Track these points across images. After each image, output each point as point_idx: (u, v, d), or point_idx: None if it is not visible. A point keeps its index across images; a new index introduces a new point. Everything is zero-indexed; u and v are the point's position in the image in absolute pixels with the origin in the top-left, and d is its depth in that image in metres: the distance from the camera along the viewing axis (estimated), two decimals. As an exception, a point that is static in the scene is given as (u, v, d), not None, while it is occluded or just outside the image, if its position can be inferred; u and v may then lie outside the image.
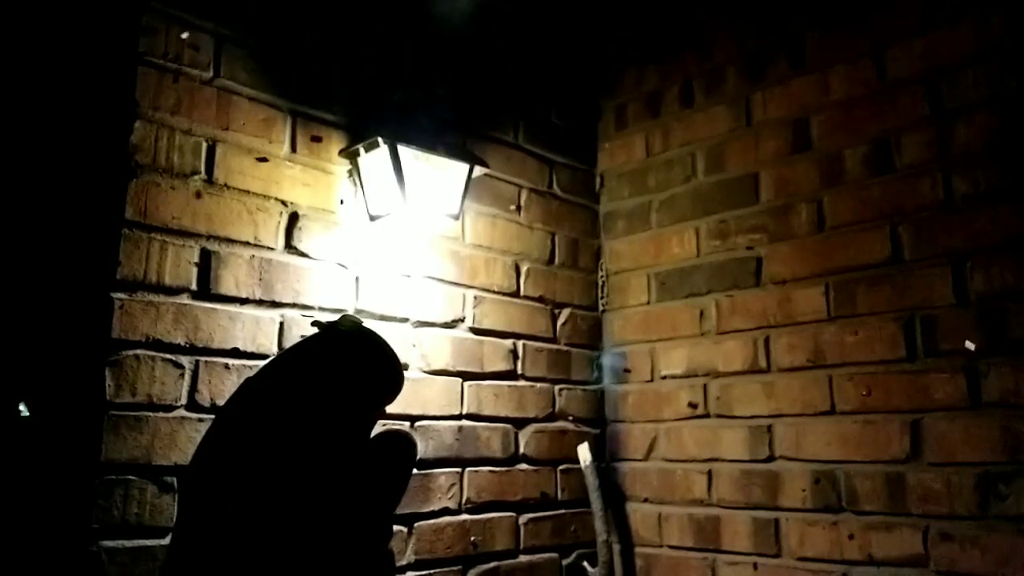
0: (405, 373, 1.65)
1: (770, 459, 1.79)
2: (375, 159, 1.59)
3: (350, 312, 1.58)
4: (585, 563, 1.95)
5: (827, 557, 1.66)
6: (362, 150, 1.59)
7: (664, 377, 2.02)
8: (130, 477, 1.25)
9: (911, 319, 1.62)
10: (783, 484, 1.76)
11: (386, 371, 1.13)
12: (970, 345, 1.53)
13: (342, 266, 1.59)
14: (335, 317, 1.27)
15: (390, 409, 1.61)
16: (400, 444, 1.11)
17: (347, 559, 1.04)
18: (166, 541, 1.27)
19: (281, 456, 1.00)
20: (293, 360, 1.10)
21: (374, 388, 1.17)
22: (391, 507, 1.09)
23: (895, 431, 1.61)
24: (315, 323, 1.19)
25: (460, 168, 1.67)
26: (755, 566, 1.77)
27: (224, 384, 1.38)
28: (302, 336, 1.44)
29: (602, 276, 2.19)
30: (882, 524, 1.60)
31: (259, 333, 1.44)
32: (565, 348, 2.07)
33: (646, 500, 2.00)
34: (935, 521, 1.54)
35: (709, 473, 1.89)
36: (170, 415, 1.31)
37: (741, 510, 1.82)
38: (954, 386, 1.55)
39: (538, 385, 1.97)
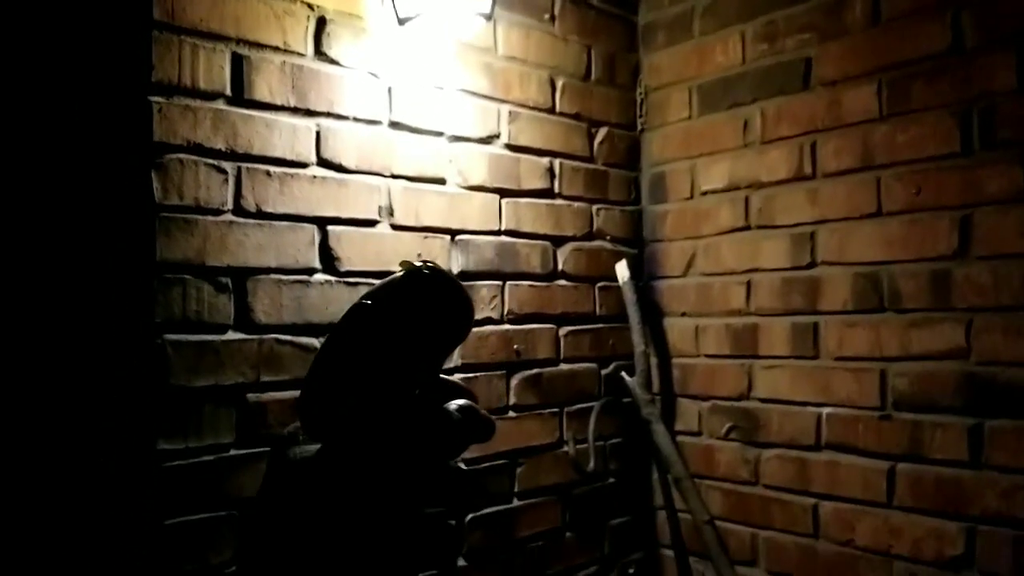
0: (443, 188, 1.68)
1: (811, 265, 1.78)
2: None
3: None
4: (623, 373, 2.02)
5: (866, 356, 1.69)
6: (388, -52, 1.51)
7: (704, 193, 1.99)
8: (186, 276, 1.29)
9: (968, 111, 1.55)
10: (824, 289, 1.76)
11: (466, 316, 1.15)
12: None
13: (373, 75, 1.56)
14: (417, 261, 1.27)
15: (434, 222, 1.65)
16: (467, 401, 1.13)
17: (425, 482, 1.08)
18: (226, 336, 1.34)
19: (380, 386, 1.03)
20: (387, 304, 1.10)
21: (456, 330, 1.18)
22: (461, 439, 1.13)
23: (944, 228, 1.58)
24: (402, 263, 1.20)
25: (491, -35, 1.59)
26: (792, 368, 1.82)
27: (267, 191, 1.39)
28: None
29: (640, 93, 2.12)
30: (924, 320, 1.61)
31: (296, 142, 1.44)
32: (603, 168, 2.04)
33: (684, 314, 2.04)
34: (979, 314, 1.54)
35: (748, 284, 1.90)
36: (218, 219, 1.33)
37: (780, 317, 1.84)
38: (1009, 178, 1.51)
39: (575, 204, 1.97)
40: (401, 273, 1.08)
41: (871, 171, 1.69)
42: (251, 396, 1.37)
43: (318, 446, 1.01)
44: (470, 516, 1.70)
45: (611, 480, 2.03)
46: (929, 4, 1.60)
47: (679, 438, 2.03)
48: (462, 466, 1.12)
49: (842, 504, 1.74)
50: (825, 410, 1.76)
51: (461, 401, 1.05)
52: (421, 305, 1.09)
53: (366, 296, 1.05)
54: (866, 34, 1.69)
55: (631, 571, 2.06)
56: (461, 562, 1.67)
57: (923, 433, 1.61)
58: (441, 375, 1.05)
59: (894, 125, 1.66)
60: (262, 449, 1.35)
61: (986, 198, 1.53)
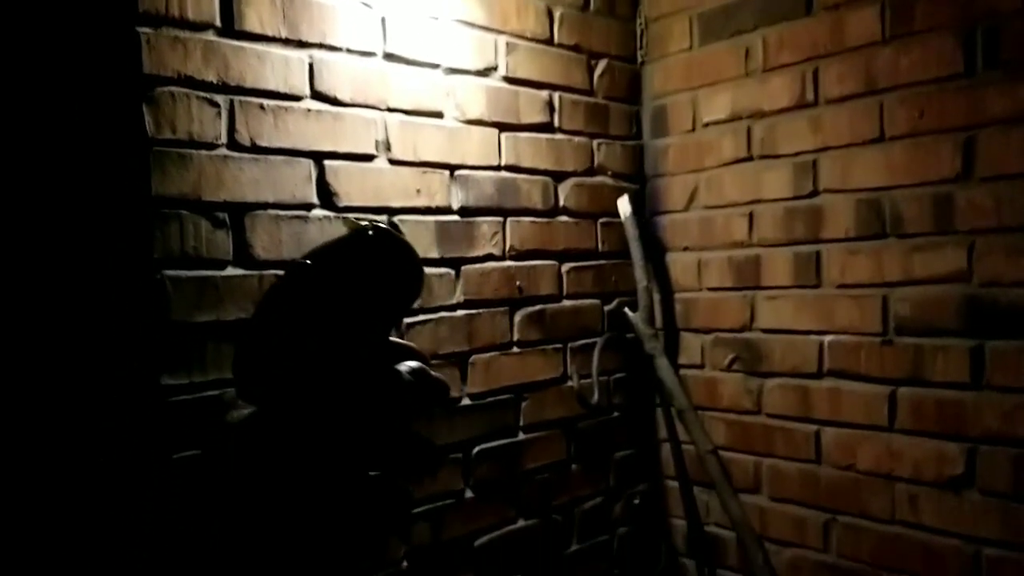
0: (441, 122, 1.66)
1: (813, 194, 1.77)
2: None
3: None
4: (626, 309, 2.03)
5: (868, 282, 1.69)
6: None
7: (707, 125, 1.97)
8: (183, 212, 1.29)
9: (972, 31, 1.52)
10: (826, 217, 1.75)
11: (414, 279, 1.08)
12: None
13: (366, 5, 1.52)
14: (366, 218, 1.24)
15: (433, 157, 1.64)
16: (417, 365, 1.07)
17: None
18: (225, 272, 1.34)
19: (319, 349, 0.98)
20: (328, 265, 1.05)
21: (403, 294, 1.11)
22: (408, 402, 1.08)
23: (947, 150, 1.56)
24: (346, 221, 1.16)
25: None
26: (794, 297, 1.82)
27: (262, 125, 1.38)
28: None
29: (640, 24, 2.08)
30: (926, 245, 1.60)
31: (289, 74, 1.42)
32: (603, 102, 2.01)
33: (686, 249, 2.03)
34: (981, 236, 1.53)
35: (750, 215, 1.89)
36: (213, 153, 1.33)
37: (782, 247, 1.83)
38: (1012, 98, 1.48)
39: (576, 139, 1.95)
40: (346, 232, 1.05)
41: (874, 96, 1.66)
42: (254, 331, 1.38)
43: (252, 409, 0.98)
44: (476, 449, 1.73)
45: (615, 414, 2.05)
46: (935, -81, 1.55)
47: (682, 371, 2.05)
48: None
49: (844, 430, 1.76)
50: (827, 338, 1.77)
51: (413, 363, 1.02)
52: (365, 267, 1.05)
53: (307, 255, 1.02)
54: (870, -47, 1.65)
55: (636, 502, 2.09)
56: (468, 493, 1.71)
57: (924, 357, 1.62)
58: (392, 339, 1.02)
59: (897, 48, 1.62)
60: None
61: (989, 119, 1.51)
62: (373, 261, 1.03)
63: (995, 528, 1.54)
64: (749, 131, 1.88)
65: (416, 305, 1.61)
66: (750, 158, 1.88)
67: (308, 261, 1.00)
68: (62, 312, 1.33)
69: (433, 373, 1.07)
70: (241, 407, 1.00)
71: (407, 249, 1.09)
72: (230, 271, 1.35)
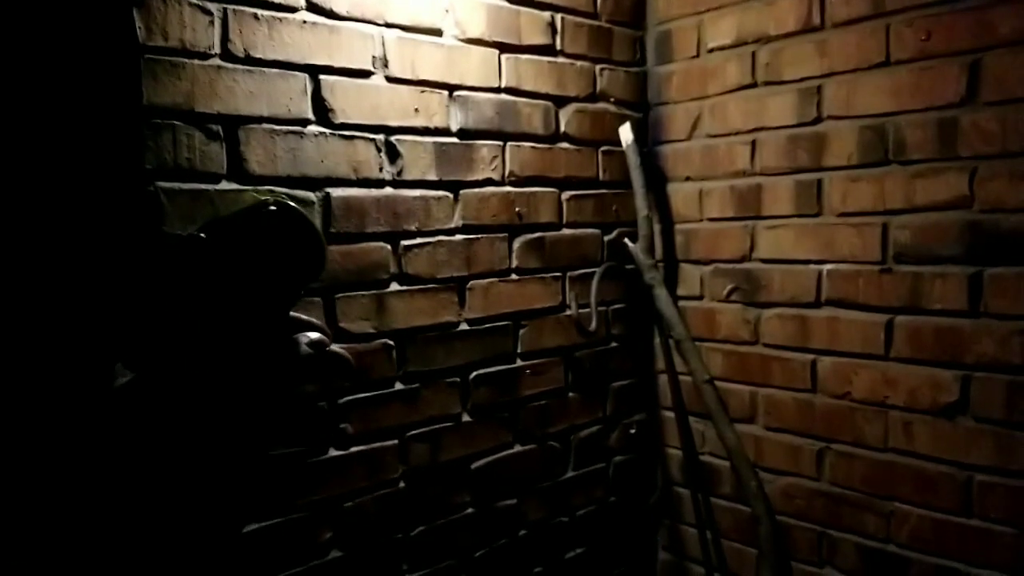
0: (440, 39, 1.63)
1: (817, 120, 1.74)
2: None
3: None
4: (626, 239, 2.02)
5: (869, 210, 1.68)
6: None
7: (711, 50, 1.93)
8: (175, 122, 1.28)
9: (985, -52, 1.48)
10: (829, 144, 1.73)
11: (314, 257, 1.05)
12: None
13: (363, -85, 1.49)
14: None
15: (431, 76, 1.61)
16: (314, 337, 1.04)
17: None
18: (220, 186, 1.33)
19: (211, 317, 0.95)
20: (223, 239, 1.01)
21: (302, 271, 1.08)
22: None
23: (952, 74, 1.53)
24: (251, 191, 1.12)
25: None
26: (794, 227, 1.81)
27: (255, 36, 1.36)
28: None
29: (646, -54, 2.03)
30: (929, 171, 1.58)
31: (284, -16, 1.40)
32: (607, 25, 1.97)
33: (688, 179, 2.02)
34: (984, 161, 1.51)
35: (753, 144, 1.87)
36: (206, 63, 1.31)
37: (784, 175, 1.81)
38: (1021, 17, 1.44)
39: (578, 63, 1.91)
40: (244, 206, 1.03)
41: (881, 18, 1.63)
42: (250, 246, 1.37)
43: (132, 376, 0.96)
44: (474, 374, 1.74)
45: (613, 344, 2.06)
46: None
47: (681, 303, 2.05)
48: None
49: (840, 359, 1.76)
50: (826, 267, 1.76)
51: (313, 335, 1.00)
52: (262, 241, 1.02)
53: (203, 226, 0.99)
54: None
55: (632, 431, 2.12)
56: (466, 417, 1.73)
57: (923, 284, 1.62)
58: (293, 313, 1.00)
59: (906, -34, 1.58)
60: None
61: (997, 40, 1.48)
62: (272, 236, 1.02)
63: (987, 455, 1.55)
64: (754, 56, 1.84)
65: (414, 227, 1.60)
66: (754, 84, 1.85)
67: (202, 234, 0.98)
68: (51, 223, 1.32)
69: (335, 348, 1.06)
70: (124, 373, 0.98)
71: (308, 226, 1.07)
72: (224, 185, 1.34)
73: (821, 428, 1.81)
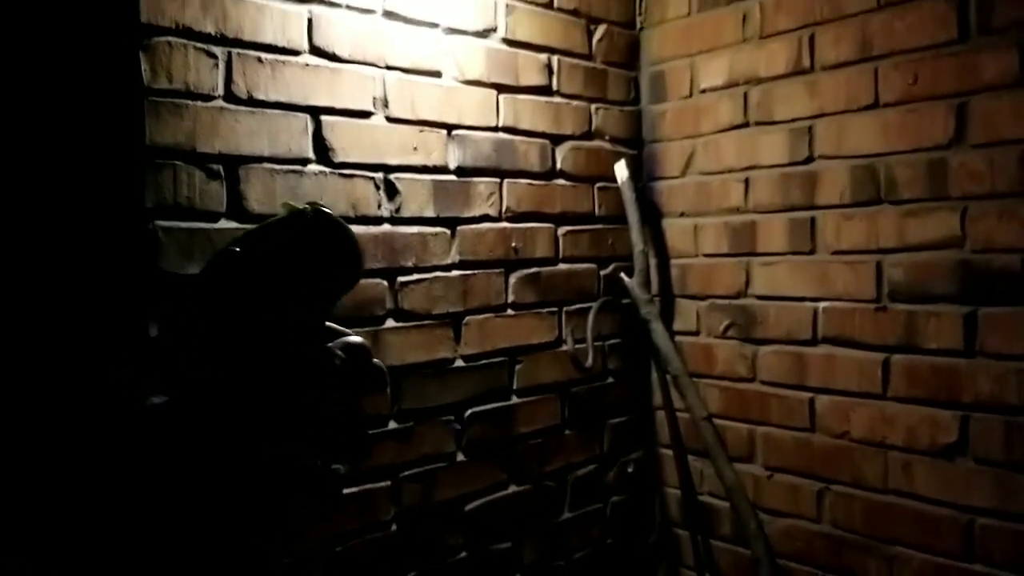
0: (439, 81, 1.66)
1: (809, 159, 1.77)
2: None
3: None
4: (622, 274, 2.03)
5: (862, 248, 1.69)
6: None
7: (704, 91, 1.97)
8: (177, 162, 1.30)
9: (966, -5, 1.52)
10: (822, 182, 1.76)
11: (353, 263, 1.03)
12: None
13: (365, -38, 1.53)
14: (304, 204, 1.21)
15: (430, 115, 1.64)
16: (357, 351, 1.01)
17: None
18: (219, 224, 1.35)
19: (248, 334, 0.93)
20: (262, 249, 1.00)
21: (342, 278, 1.06)
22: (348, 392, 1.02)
23: (940, 116, 1.57)
24: (284, 204, 1.12)
25: None
26: (789, 263, 1.83)
27: (259, 77, 1.39)
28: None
29: (640, -10, 2.08)
30: (920, 210, 1.61)
31: (288, 28, 1.42)
32: (602, 66, 2.01)
33: (682, 214, 2.04)
34: (974, 201, 1.53)
35: (746, 181, 1.90)
36: (209, 104, 1.33)
37: (777, 213, 1.84)
38: (1006, 63, 1.48)
39: (574, 102, 1.95)
40: (281, 215, 0.99)
41: (869, 62, 1.67)
42: (248, 283, 1.38)
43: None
44: (469, 411, 1.74)
45: (610, 379, 2.06)
46: None
47: (678, 338, 2.06)
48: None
49: (838, 397, 1.76)
50: (822, 304, 1.77)
51: (351, 340, 0.98)
52: (300, 251, 0.99)
53: (238, 239, 0.96)
54: (868, -83, 1.64)
55: (629, 470, 2.11)
56: (460, 456, 1.72)
57: (918, 323, 1.63)
58: (329, 324, 0.98)
59: (892, 13, 1.63)
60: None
61: (982, 84, 1.51)
62: (309, 245, 0.99)
63: (988, 497, 1.54)
64: (746, 97, 1.88)
65: (411, 263, 1.61)
66: (746, 124, 1.88)
67: (236, 248, 0.96)
68: (53, 258, 1.33)
69: (373, 360, 1.04)
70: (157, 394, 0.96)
71: (344, 232, 1.05)
72: (223, 223, 1.35)
73: (820, 468, 1.80)
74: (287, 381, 0.96)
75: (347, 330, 0.94)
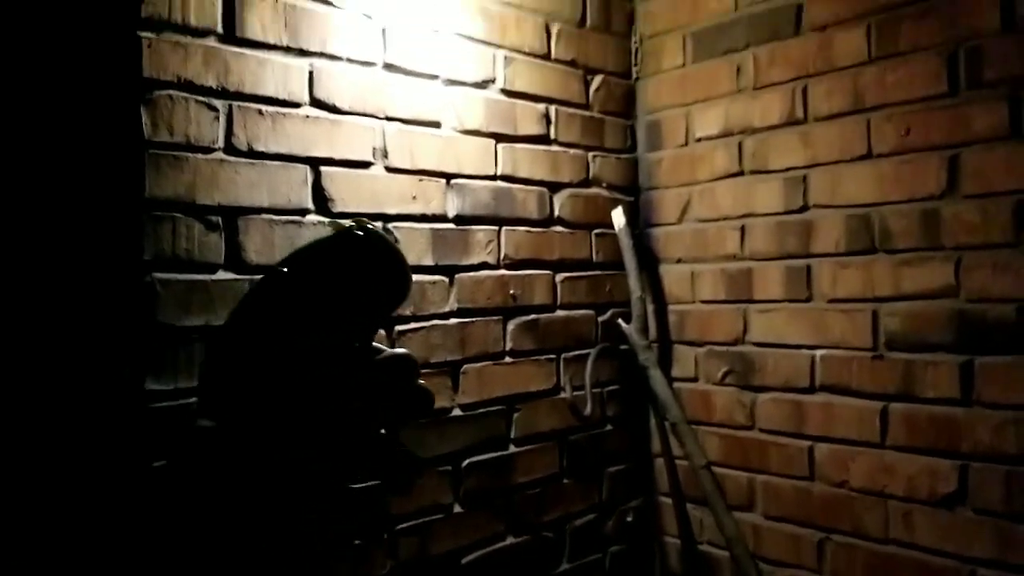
0: (439, 131, 1.68)
1: (804, 209, 1.79)
2: None
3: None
4: (620, 320, 2.03)
5: (858, 296, 1.70)
6: None
7: (699, 140, 1.99)
8: (176, 214, 1.30)
9: (955, 52, 1.55)
10: (817, 231, 1.77)
11: (403, 283, 1.04)
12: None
13: (367, 16, 1.55)
14: (349, 220, 1.22)
15: (430, 165, 1.65)
16: (401, 362, 1.01)
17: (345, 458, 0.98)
18: (216, 276, 1.35)
19: (293, 353, 0.93)
20: (310, 270, 1.00)
21: (390, 298, 1.06)
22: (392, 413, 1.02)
23: (932, 167, 1.59)
24: (331, 223, 1.14)
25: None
26: (786, 311, 1.83)
27: (259, 129, 1.40)
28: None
29: (635, 41, 2.12)
30: (915, 259, 1.62)
31: (289, 81, 1.44)
32: (598, 115, 2.04)
33: (679, 261, 2.05)
34: (968, 252, 1.55)
35: (742, 229, 1.91)
36: (209, 156, 1.34)
37: (773, 261, 1.85)
38: (995, 116, 1.51)
39: (571, 151, 1.97)
40: (329, 234, 0.99)
41: (861, 114, 1.69)
42: (245, 334, 1.37)
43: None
44: (466, 461, 1.72)
45: (609, 427, 2.05)
46: (921, -58, 1.59)
47: (676, 384, 2.05)
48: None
49: (836, 445, 1.75)
50: (819, 352, 1.78)
51: (399, 351, 0.97)
52: (348, 270, 0.99)
53: (286, 259, 0.96)
54: (858, -26, 1.69)
55: (629, 519, 2.08)
56: (457, 508, 1.70)
57: (915, 372, 1.63)
58: (376, 344, 0.97)
59: (883, 67, 1.66)
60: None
61: (973, 137, 1.54)
62: (358, 263, 0.99)
63: (988, 547, 1.53)
64: (741, 146, 1.90)
65: (408, 312, 1.61)
66: (742, 172, 1.91)
67: (284, 268, 0.96)
68: (49, 310, 1.33)
69: (419, 381, 1.03)
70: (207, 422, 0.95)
71: (394, 250, 1.05)
72: (221, 275, 1.35)
73: (820, 517, 1.79)
74: (335, 406, 0.95)
75: (395, 350, 0.93)
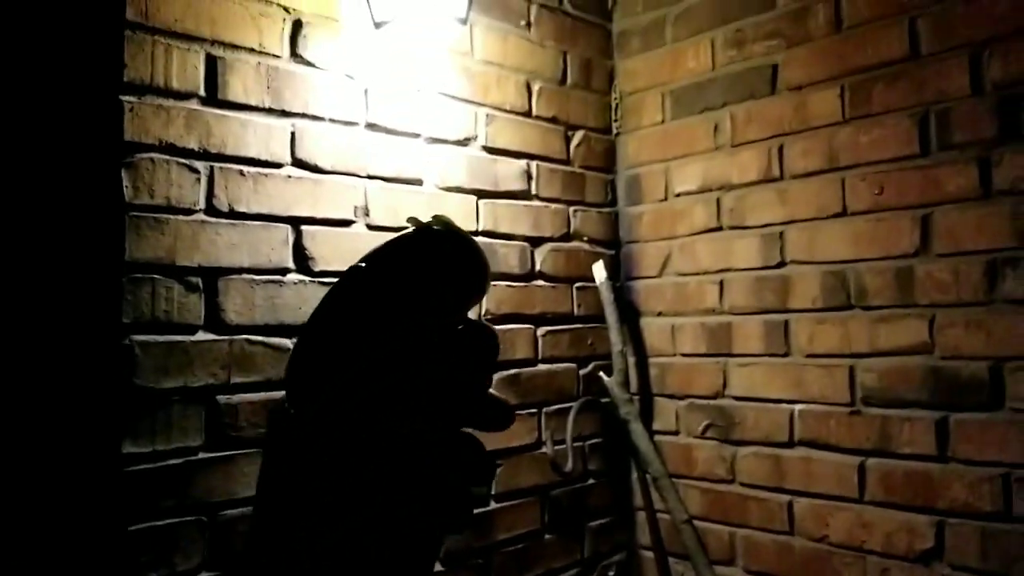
0: (420, 188, 1.69)
1: (781, 264, 1.82)
2: (375, -37, 1.54)
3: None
4: (601, 373, 2.04)
5: (835, 352, 1.72)
6: (362, -46, 1.54)
7: (679, 195, 2.03)
8: (156, 276, 1.30)
9: (926, 114, 1.60)
10: (794, 287, 1.79)
11: (479, 273, 1.06)
12: (988, 134, 1.51)
13: (350, 77, 1.58)
14: (427, 217, 1.25)
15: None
16: (483, 334, 1.03)
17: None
18: (196, 337, 1.34)
19: (377, 350, 0.96)
20: (390, 260, 1.02)
21: (467, 290, 1.09)
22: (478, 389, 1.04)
23: (905, 226, 1.62)
24: (410, 219, 1.17)
25: (464, -28, 1.62)
26: (765, 365, 1.84)
27: (241, 190, 1.41)
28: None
29: (615, 98, 2.16)
30: (890, 316, 1.64)
31: (271, 142, 1.46)
32: (579, 171, 2.07)
33: (660, 314, 2.06)
34: (941, 310, 1.57)
35: (721, 283, 1.93)
36: (190, 218, 1.35)
37: (752, 315, 1.87)
38: (966, 177, 1.55)
39: (553, 206, 1.99)
40: (408, 231, 1.02)
41: (836, 172, 1.73)
42: (221, 398, 1.37)
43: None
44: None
45: (590, 481, 2.04)
46: (888, 12, 1.65)
47: (657, 437, 2.05)
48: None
49: (816, 500, 1.76)
50: (797, 407, 1.79)
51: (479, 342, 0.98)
52: (428, 266, 1.01)
53: (365, 256, 0.98)
54: (829, 40, 1.73)
55: (611, 574, 2.06)
56: (438, 567, 1.68)
57: (891, 427, 1.64)
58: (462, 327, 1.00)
59: (857, 128, 1.70)
60: (232, 452, 1.36)
61: (945, 197, 1.57)
62: (438, 256, 1.01)
63: (966, 604, 1.53)
64: (719, 202, 1.94)
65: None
66: (720, 228, 1.93)
67: (363, 264, 0.97)
68: (27, 374, 1.32)
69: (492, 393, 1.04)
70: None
71: (474, 244, 1.08)
72: (200, 336, 1.35)
73: (801, 572, 1.78)
74: (415, 406, 0.95)
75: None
